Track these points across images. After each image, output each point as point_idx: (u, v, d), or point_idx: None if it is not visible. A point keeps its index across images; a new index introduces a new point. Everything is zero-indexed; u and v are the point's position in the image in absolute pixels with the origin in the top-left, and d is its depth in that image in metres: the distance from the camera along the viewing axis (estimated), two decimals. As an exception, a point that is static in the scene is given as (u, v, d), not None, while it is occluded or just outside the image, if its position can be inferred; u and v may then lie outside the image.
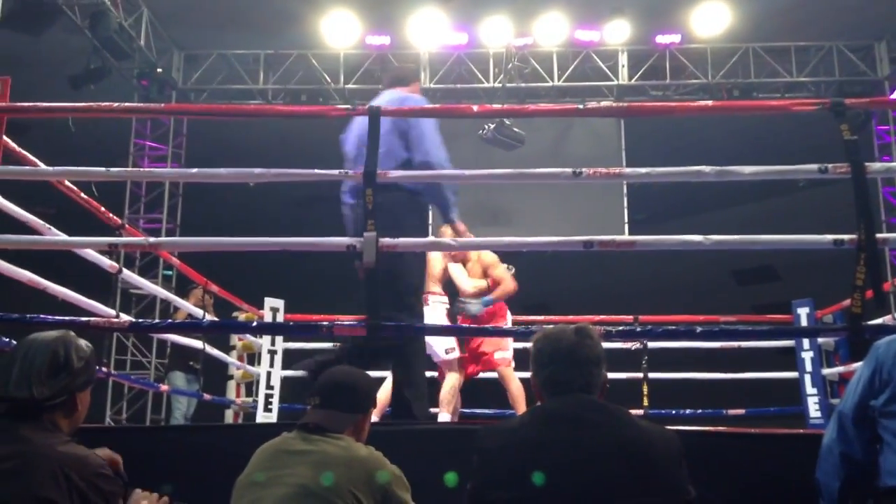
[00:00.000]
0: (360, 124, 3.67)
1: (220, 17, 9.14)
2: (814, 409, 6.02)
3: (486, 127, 8.82)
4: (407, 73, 4.13)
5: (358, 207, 3.44)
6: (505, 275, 5.10)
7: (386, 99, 3.77)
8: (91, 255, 4.32)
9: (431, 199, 3.72)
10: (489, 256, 5.13)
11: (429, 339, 4.72)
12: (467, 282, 5.05)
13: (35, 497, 1.74)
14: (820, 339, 6.12)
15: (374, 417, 4.69)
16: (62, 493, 1.77)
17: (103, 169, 3.45)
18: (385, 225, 3.10)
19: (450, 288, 5.15)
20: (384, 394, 4.80)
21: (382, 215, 3.11)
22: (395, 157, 3.49)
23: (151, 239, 4.87)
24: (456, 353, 4.91)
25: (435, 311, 4.91)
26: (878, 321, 4.79)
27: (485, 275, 5.12)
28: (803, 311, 6.18)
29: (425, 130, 3.58)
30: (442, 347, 4.84)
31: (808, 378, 6.11)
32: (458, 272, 5.05)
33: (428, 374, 4.94)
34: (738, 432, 3.06)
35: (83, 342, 1.99)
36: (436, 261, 5.00)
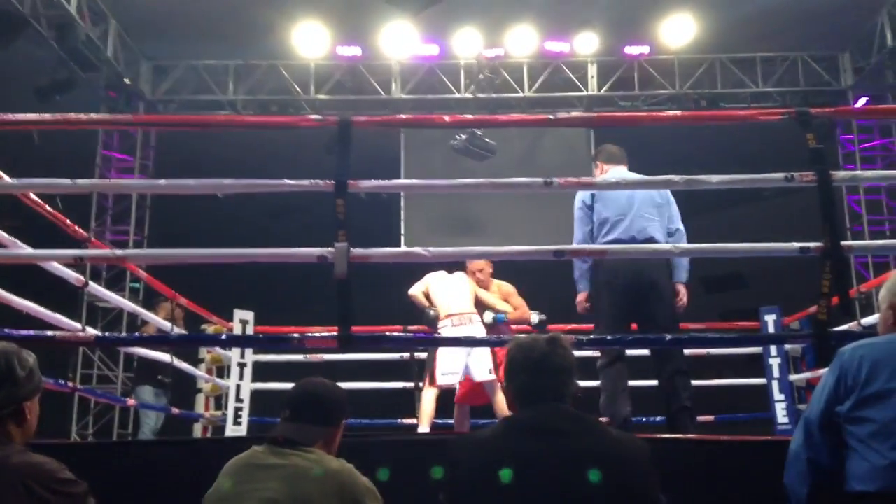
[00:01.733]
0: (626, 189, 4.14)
1: (189, 28, 9.08)
2: (781, 415, 6.09)
3: (458, 137, 8.84)
4: (624, 153, 4.50)
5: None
6: (523, 303, 5.38)
7: (636, 178, 4.18)
8: (57, 268, 4.26)
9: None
10: (508, 287, 5.44)
11: (470, 360, 4.97)
12: (500, 304, 5.31)
13: None
14: (787, 346, 6.20)
15: (426, 428, 4.83)
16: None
17: (69, 181, 3.40)
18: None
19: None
20: (430, 407, 4.96)
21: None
22: (664, 228, 4.14)
23: (118, 251, 4.81)
24: (494, 375, 5.04)
25: (476, 329, 5.07)
26: (844, 328, 4.87)
27: (505, 302, 5.39)
28: (770, 318, 6.26)
29: (675, 208, 4.24)
30: (486, 368, 5.01)
31: (775, 384, 6.18)
32: (488, 296, 5.31)
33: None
34: (707, 439, 3.08)
35: (25, 352, 1.99)
36: (469, 288, 5.26)
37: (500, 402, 4.97)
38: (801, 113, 3.29)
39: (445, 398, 5.27)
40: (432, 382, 5.03)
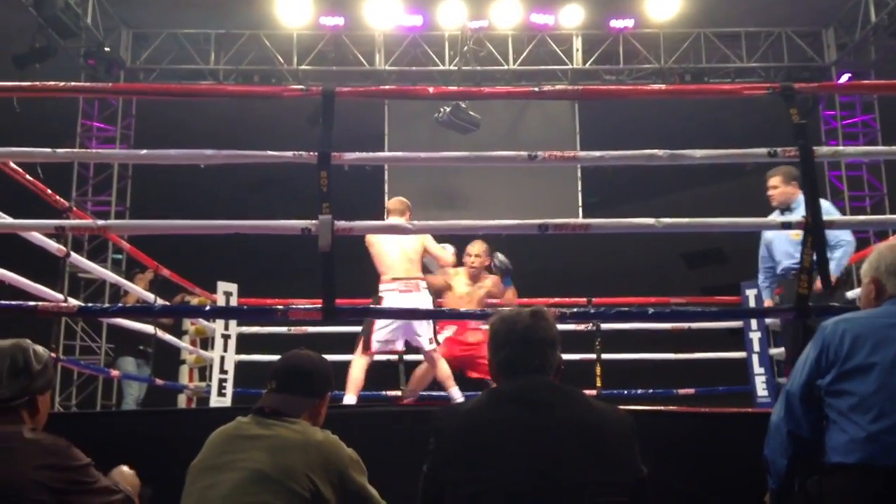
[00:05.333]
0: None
1: (170, -4, 8.95)
2: (761, 388, 6.16)
3: (442, 110, 8.79)
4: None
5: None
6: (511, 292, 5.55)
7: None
8: (38, 238, 4.23)
9: None
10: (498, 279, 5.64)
11: (410, 329, 4.81)
12: (442, 251, 5.05)
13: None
14: (767, 320, 6.25)
15: (353, 398, 4.72)
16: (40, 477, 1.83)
17: (49, 150, 3.36)
18: None
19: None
20: (360, 375, 4.75)
21: None
22: None
23: (100, 221, 4.76)
24: (435, 346, 4.96)
25: (423, 298, 4.87)
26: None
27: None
28: (751, 293, 6.29)
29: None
30: (427, 338, 4.88)
31: (755, 358, 6.24)
32: (436, 247, 4.99)
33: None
34: (688, 411, 3.12)
35: (40, 348, 2.08)
36: (416, 244, 4.89)
37: (442, 371, 4.89)
38: (785, 88, 3.29)
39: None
40: (366, 349, 4.75)
